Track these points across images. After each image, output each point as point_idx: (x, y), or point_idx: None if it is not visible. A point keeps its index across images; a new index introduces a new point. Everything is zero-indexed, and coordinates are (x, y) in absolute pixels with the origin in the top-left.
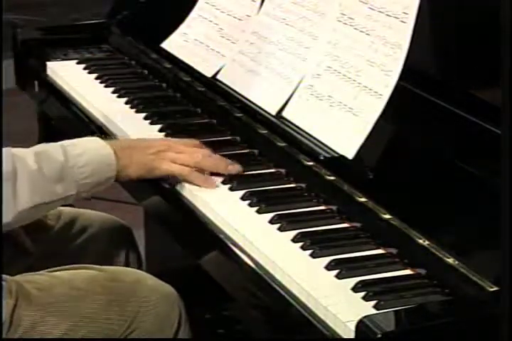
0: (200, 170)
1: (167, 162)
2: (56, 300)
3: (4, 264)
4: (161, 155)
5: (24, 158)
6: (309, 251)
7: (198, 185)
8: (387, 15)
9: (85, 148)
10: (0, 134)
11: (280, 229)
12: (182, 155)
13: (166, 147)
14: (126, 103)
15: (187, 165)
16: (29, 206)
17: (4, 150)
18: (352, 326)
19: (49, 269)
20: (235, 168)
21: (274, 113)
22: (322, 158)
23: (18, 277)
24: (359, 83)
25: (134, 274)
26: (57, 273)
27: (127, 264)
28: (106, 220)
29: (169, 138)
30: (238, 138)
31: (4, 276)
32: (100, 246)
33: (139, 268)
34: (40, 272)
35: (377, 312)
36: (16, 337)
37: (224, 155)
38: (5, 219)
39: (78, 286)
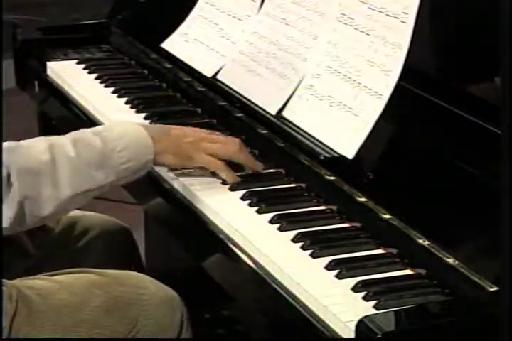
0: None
1: (202, 153)
2: (56, 306)
3: (4, 266)
4: (196, 145)
5: (63, 145)
6: (309, 251)
7: (227, 181)
8: (387, 15)
9: (122, 132)
10: (0, 134)
11: (280, 229)
12: (216, 146)
13: (200, 137)
14: (126, 103)
15: (221, 156)
16: (71, 194)
17: (38, 139)
18: (352, 326)
19: (49, 273)
20: (259, 166)
21: (274, 113)
22: (322, 158)
23: (17, 282)
24: (359, 83)
25: (135, 278)
26: (58, 277)
27: (128, 267)
28: (107, 223)
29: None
30: (238, 138)
31: (4, 281)
32: (101, 249)
33: (140, 270)
34: (40, 276)
35: (377, 312)
36: None
37: None
38: (46, 212)
39: (79, 292)
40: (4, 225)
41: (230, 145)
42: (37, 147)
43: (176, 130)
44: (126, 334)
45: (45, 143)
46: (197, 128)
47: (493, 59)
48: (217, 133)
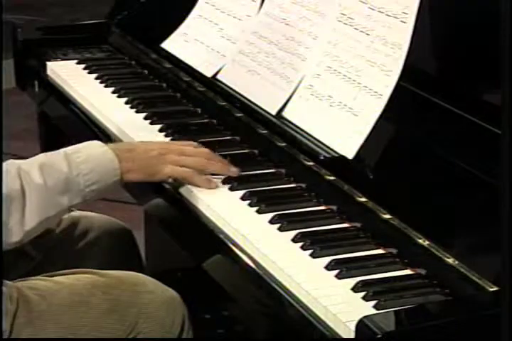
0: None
1: (169, 165)
2: (57, 307)
3: (5, 268)
4: (163, 159)
5: (29, 172)
6: (309, 251)
7: (200, 187)
8: (387, 15)
9: (88, 154)
10: (0, 134)
11: (280, 229)
12: (184, 158)
13: (167, 150)
14: (126, 103)
15: (190, 168)
16: (37, 221)
17: (10, 163)
18: (352, 326)
19: (50, 273)
20: (234, 170)
21: (274, 113)
22: (322, 158)
23: (18, 283)
24: (359, 83)
25: (136, 279)
26: (58, 278)
27: (128, 268)
28: (107, 223)
29: (167, 140)
30: (238, 138)
31: (5, 282)
32: (102, 250)
33: (141, 271)
34: (41, 277)
35: (377, 312)
36: None
37: (224, 155)
38: (14, 239)
39: (79, 292)
40: None
41: (197, 158)
42: (9, 173)
43: (141, 145)
44: (127, 334)
45: (16, 169)
46: (167, 141)
47: (493, 59)
48: (190, 143)
